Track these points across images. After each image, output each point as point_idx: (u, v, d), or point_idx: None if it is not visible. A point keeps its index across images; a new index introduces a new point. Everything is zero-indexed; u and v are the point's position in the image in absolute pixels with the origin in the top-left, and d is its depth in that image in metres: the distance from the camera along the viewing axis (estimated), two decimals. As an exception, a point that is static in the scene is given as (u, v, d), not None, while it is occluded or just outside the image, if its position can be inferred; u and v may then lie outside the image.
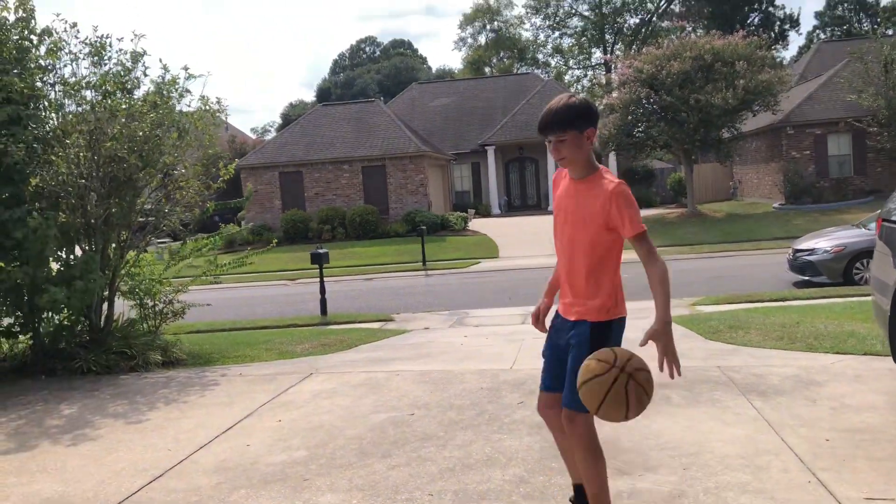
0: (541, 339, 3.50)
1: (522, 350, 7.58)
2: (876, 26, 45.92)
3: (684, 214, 27.67)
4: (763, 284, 13.34)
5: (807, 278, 12.87)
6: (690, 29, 34.90)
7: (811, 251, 12.90)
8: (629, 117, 26.53)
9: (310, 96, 74.97)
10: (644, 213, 25.77)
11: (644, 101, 26.21)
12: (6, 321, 7.75)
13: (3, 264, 7.28)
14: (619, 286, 3.14)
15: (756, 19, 57.70)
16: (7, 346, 7.99)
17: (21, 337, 7.89)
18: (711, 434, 4.55)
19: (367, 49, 78.08)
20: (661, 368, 2.93)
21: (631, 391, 2.78)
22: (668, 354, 2.91)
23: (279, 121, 66.41)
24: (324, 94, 64.77)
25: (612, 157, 33.75)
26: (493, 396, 5.70)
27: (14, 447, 5.15)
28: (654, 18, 58.89)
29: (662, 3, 59.63)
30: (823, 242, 12.95)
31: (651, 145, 27.76)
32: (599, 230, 3.02)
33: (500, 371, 6.52)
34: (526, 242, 24.25)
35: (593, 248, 3.05)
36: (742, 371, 6.05)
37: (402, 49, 76.14)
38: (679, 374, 2.94)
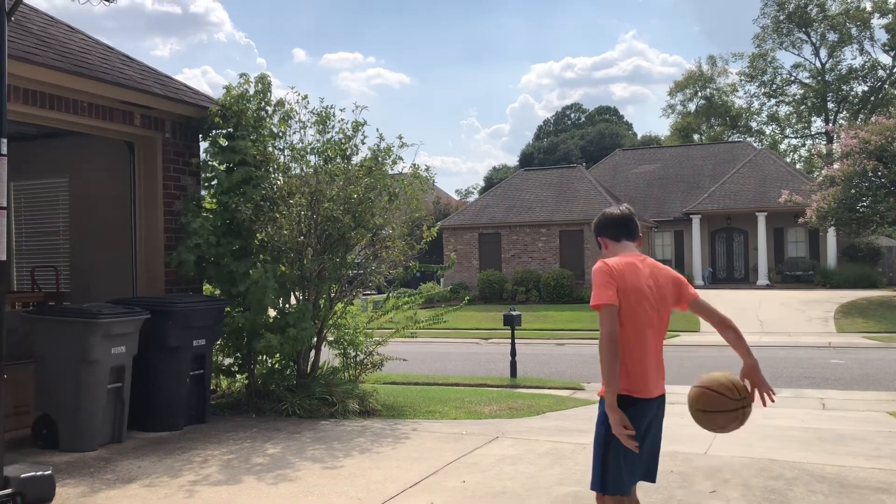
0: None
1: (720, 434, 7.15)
2: None
3: (915, 299, 25.01)
4: None
5: None
6: (928, 96, 31.91)
7: None
8: (852, 190, 24.65)
9: (512, 161, 76.59)
10: (866, 294, 23.52)
11: (870, 174, 24.25)
12: (227, 361, 8.53)
13: (229, 309, 8.08)
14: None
15: None
16: (226, 384, 8.79)
17: (238, 377, 8.65)
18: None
19: (572, 115, 78.64)
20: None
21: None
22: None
23: (482, 183, 68.42)
24: (526, 158, 65.89)
25: (830, 234, 31.28)
26: (684, 482, 5.44)
27: (224, 479, 5.62)
28: (886, 85, 54.47)
29: None
30: None
31: (878, 221, 25.53)
32: None
33: (692, 455, 6.20)
34: (730, 318, 22.90)
35: None
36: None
37: (608, 115, 75.86)
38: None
